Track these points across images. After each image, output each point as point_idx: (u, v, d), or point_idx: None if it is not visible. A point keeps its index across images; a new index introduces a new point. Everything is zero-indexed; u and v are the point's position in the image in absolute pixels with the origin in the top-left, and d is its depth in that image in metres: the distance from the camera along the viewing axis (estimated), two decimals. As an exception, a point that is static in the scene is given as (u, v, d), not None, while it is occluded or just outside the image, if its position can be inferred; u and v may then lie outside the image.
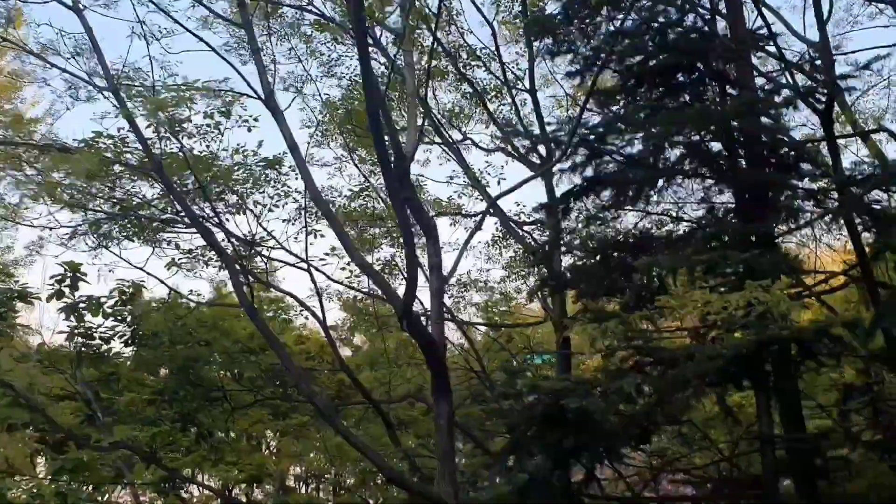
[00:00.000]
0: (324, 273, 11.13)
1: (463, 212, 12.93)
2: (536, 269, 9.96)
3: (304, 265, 10.57)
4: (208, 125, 9.39)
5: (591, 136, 9.56)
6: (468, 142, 12.89)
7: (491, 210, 10.72)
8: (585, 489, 7.37)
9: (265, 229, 10.45)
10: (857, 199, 7.78)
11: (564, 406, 6.30)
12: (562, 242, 9.28)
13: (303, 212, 10.49)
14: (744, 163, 8.77)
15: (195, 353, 11.08)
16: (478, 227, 10.59)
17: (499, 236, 13.14)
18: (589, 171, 9.33)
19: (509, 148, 12.22)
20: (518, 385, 6.80)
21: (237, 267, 9.61)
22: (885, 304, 7.10)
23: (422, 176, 13.44)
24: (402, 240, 9.17)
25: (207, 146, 9.60)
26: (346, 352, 18.12)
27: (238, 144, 10.16)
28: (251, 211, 10.24)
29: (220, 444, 11.85)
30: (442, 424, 7.95)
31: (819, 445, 7.27)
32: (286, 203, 10.66)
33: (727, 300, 6.21)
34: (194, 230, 9.75)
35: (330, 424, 8.81)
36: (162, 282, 11.15)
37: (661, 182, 9.28)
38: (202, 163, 9.41)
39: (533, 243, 10.83)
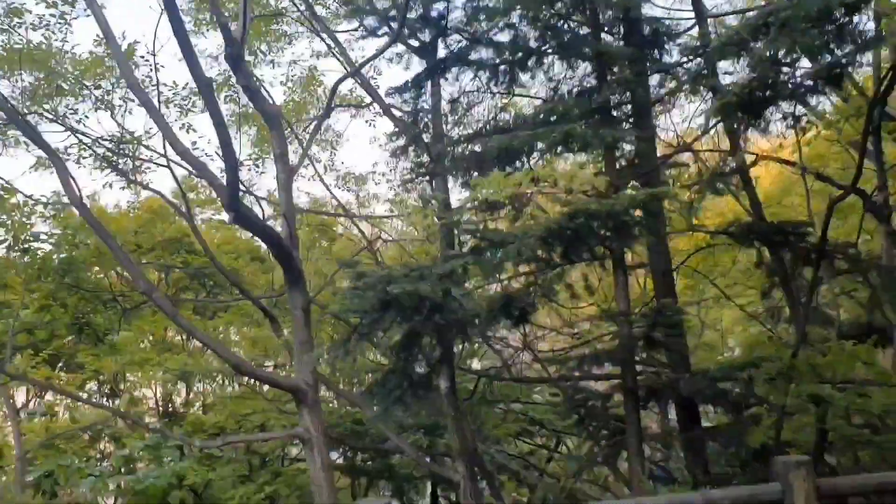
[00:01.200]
0: (184, 167, 10.60)
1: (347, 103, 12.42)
2: (412, 155, 9.73)
3: (164, 160, 10.26)
4: (53, 15, 8.85)
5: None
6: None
7: (357, 81, 10.23)
8: (437, 373, 7.49)
9: (120, 125, 10.05)
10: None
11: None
12: (428, 124, 9.07)
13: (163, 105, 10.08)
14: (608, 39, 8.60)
15: (80, 256, 10.89)
16: (330, 99, 10.13)
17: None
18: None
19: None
20: (354, 275, 6.75)
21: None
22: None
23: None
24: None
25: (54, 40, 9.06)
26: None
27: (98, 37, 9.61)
28: (113, 107, 9.80)
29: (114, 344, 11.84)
30: (297, 315, 7.97)
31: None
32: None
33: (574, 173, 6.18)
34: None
35: (172, 320, 8.79)
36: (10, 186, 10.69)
37: (531, 62, 9.09)
38: (39, 57, 8.91)
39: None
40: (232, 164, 7.11)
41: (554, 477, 12.97)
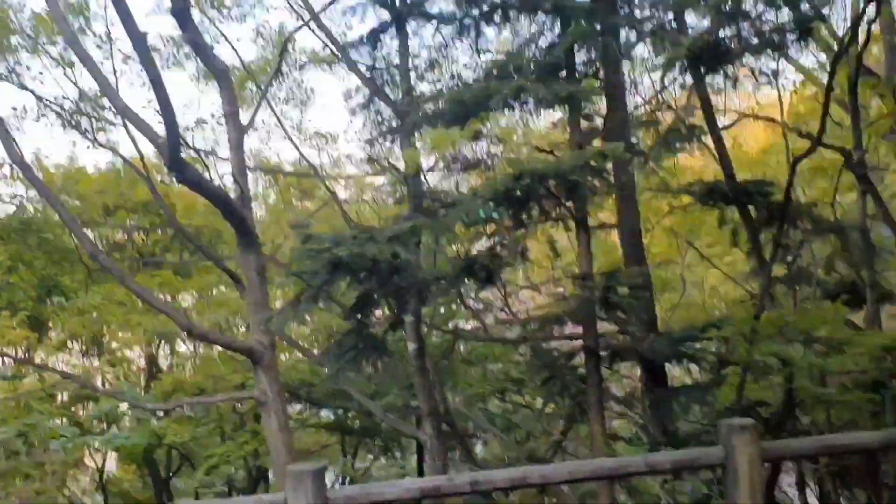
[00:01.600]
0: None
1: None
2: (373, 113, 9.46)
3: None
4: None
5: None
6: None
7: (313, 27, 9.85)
8: (392, 331, 7.39)
9: (75, 83, 9.81)
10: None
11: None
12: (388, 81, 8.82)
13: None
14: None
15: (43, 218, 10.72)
16: (282, 50, 9.79)
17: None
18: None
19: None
20: (302, 237, 6.61)
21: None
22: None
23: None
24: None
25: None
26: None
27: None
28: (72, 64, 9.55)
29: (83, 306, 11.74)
30: (251, 276, 7.85)
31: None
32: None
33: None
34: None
35: (121, 282, 8.66)
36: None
37: (496, 16, 8.83)
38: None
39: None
40: (171, 123, 6.88)
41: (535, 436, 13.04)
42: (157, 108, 6.48)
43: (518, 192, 5.86)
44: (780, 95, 12.53)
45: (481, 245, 9.46)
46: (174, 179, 7.42)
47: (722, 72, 6.83)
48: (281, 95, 12.11)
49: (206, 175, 9.99)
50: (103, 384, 16.19)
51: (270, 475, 19.03)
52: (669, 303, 16.81)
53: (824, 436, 5.69)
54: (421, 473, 13.43)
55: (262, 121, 12.84)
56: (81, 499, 18.28)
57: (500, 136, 5.96)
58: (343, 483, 20.18)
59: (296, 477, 4.43)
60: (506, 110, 7.03)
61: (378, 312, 8.35)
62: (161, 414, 15.46)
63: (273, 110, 11.38)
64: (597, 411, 7.96)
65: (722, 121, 13.85)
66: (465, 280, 9.18)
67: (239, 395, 10.67)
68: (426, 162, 8.44)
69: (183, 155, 9.29)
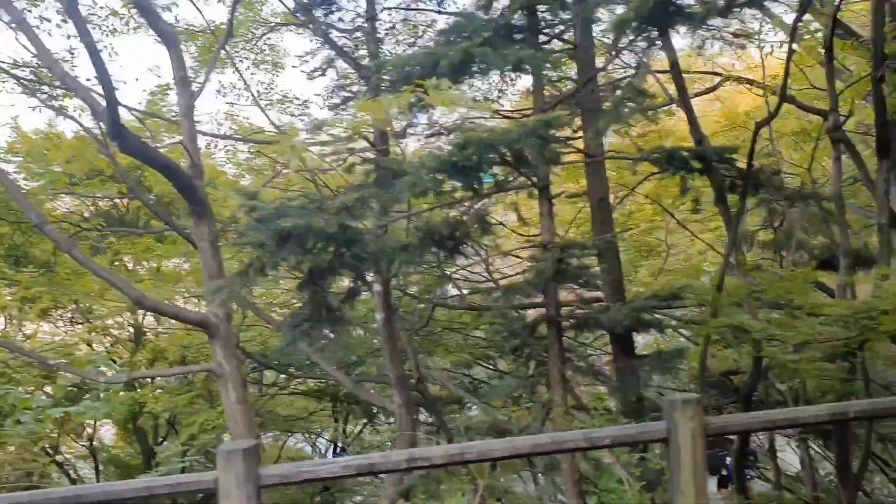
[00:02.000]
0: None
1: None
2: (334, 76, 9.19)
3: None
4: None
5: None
6: None
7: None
8: (348, 302, 7.26)
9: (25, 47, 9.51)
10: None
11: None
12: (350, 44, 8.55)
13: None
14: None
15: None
16: (233, 9, 9.40)
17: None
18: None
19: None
20: (247, 207, 6.43)
21: None
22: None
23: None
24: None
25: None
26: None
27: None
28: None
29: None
30: (203, 247, 7.70)
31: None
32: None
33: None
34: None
35: (68, 254, 8.49)
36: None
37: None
38: None
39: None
40: (109, 90, 6.65)
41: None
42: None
43: (465, 162, 5.66)
44: (762, 57, 12.23)
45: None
46: (117, 147, 7.18)
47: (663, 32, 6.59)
48: (251, 59, 11.83)
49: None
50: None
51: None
52: (658, 269, 16.67)
53: (767, 411, 5.57)
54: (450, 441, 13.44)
55: (233, 84, 12.56)
56: (75, 464, 18.42)
57: (434, 103, 5.71)
58: (335, 449, 20.30)
59: (225, 456, 4.32)
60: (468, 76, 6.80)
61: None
62: (149, 381, 15.49)
63: (241, 75, 11.11)
64: (558, 381, 7.87)
65: (702, 85, 13.64)
66: (432, 250, 9.10)
67: (194, 368, 10.58)
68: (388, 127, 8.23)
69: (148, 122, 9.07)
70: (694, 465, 4.88)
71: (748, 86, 12.53)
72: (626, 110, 6.24)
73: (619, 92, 7.17)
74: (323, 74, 8.88)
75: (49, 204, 13.62)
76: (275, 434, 19.33)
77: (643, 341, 14.86)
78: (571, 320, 7.79)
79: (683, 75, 8.62)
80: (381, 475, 9.58)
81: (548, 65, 7.00)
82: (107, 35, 10.36)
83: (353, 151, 6.45)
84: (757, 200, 8.83)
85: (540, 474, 9.19)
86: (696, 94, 14.26)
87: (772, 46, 12.27)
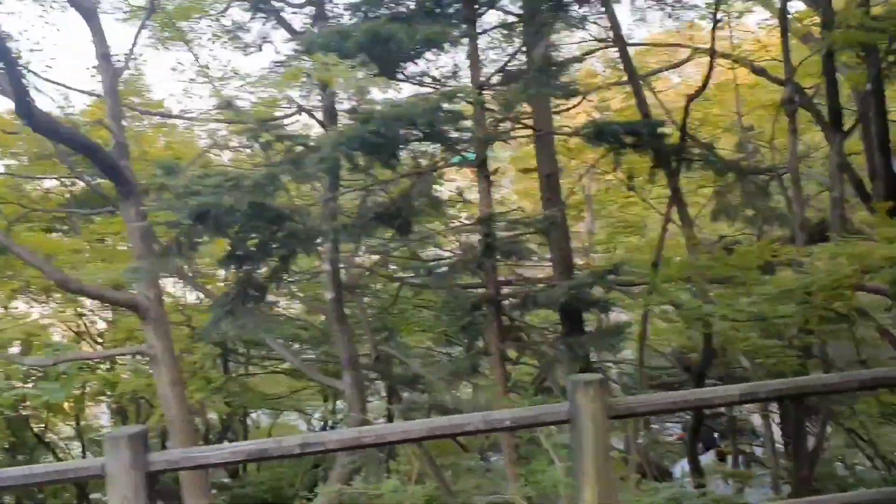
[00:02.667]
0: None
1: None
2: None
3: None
4: None
5: None
6: None
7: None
8: (275, 283, 7.13)
9: None
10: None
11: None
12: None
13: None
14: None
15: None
16: None
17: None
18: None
19: None
20: (157, 185, 6.29)
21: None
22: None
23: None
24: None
25: None
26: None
27: None
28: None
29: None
30: (131, 228, 7.57)
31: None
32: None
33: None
34: None
35: None
36: None
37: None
38: None
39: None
40: (12, 67, 6.46)
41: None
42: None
43: (373, 138, 5.49)
44: (713, 27, 11.88)
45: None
46: (28, 125, 6.98)
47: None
48: (206, 36, 11.55)
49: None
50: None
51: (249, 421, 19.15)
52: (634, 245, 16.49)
53: (679, 391, 5.45)
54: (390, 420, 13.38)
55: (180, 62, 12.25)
56: (65, 446, 18.47)
57: (322, 79, 5.54)
58: (325, 427, 20.26)
59: (112, 442, 4.23)
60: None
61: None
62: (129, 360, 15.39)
63: (192, 51, 10.86)
64: (497, 360, 7.76)
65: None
66: (377, 228, 8.95)
67: (125, 351, 10.41)
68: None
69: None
70: (596, 446, 4.76)
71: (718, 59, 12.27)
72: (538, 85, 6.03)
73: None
74: (259, 50, 8.65)
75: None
76: (266, 412, 19.30)
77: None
78: (511, 299, 7.66)
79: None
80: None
81: (463, 40, 6.69)
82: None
83: (269, 128, 6.26)
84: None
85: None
86: (668, 68, 14.06)
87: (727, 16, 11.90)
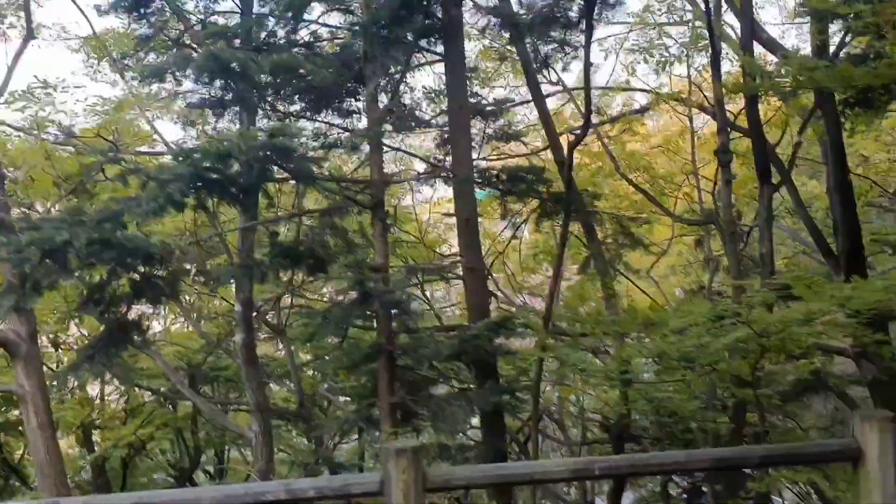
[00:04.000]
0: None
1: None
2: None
3: None
4: None
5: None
6: None
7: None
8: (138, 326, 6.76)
9: None
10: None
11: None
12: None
13: None
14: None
15: None
16: None
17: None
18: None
19: None
20: None
21: None
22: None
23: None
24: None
25: None
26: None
27: None
28: None
29: None
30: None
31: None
32: None
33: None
34: None
35: None
36: None
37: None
38: None
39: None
40: None
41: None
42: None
43: (208, 175, 5.17)
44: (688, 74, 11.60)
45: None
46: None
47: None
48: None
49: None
50: None
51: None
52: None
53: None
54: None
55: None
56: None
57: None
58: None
59: None
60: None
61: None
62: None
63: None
64: (387, 413, 7.32)
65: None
66: (290, 267, 8.60)
67: None
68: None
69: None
70: (410, 522, 4.33)
71: (674, 105, 11.95)
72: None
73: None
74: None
75: None
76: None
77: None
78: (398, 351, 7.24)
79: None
80: None
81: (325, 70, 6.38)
82: None
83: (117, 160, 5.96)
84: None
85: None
86: (632, 112, 13.72)
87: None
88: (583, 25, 6.62)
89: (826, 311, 6.13)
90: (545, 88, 11.66)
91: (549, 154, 12.81)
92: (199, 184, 5.31)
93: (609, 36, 11.13)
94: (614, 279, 14.28)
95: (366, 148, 7.33)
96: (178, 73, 5.65)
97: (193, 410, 12.05)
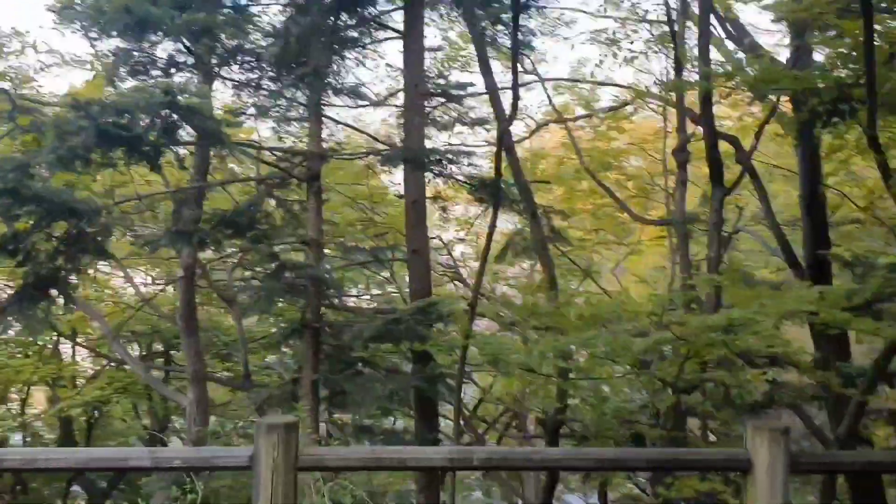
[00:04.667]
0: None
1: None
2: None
3: None
4: None
5: None
6: None
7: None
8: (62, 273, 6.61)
9: None
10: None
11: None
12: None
13: None
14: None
15: None
16: None
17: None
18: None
19: None
20: None
21: None
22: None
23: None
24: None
25: None
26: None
27: None
28: None
29: None
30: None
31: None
32: None
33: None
34: None
35: None
36: None
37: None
38: None
39: None
40: None
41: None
42: None
43: (112, 130, 5.03)
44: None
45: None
46: None
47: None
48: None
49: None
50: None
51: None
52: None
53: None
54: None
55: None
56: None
57: None
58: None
59: None
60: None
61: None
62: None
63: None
64: (307, 390, 7.23)
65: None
66: (232, 237, 8.48)
67: None
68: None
69: None
70: (274, 498, 4.23)
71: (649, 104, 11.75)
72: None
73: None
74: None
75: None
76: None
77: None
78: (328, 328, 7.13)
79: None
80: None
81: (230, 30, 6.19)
82: None
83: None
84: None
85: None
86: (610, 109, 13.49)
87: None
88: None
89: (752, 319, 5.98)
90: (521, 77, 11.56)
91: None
92: (104, 139, 5.16)
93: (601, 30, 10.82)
94: (586, 277, 14.23)
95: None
96: (90, 27, 5.48)
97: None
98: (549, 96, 10.59)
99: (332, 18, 6.80)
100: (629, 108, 12.50)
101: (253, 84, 7.01)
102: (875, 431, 9.36)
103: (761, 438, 4.38)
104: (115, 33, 5.56)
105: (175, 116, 5.23)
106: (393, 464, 4.47)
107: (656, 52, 10.45)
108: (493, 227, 6.87)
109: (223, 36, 6.07)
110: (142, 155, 5.52)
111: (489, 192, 6.33)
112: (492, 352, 6.10)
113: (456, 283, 12.15)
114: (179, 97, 5.09)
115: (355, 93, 7.01)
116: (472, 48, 11.27)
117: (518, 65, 7.57)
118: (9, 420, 11.79)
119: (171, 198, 7.33)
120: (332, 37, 6.87)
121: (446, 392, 7.45)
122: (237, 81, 7.06)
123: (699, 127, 11.69)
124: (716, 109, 12.65)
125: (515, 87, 6.64)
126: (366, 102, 8.24)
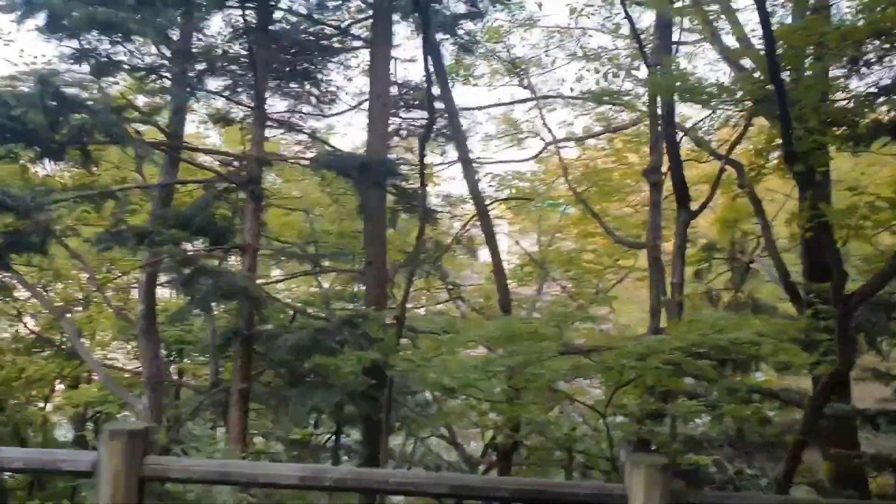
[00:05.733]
0: None
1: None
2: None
3: None
4: None
5: None
6: None
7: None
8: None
9: None
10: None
11: None
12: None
13: None
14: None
15: None
16: None
17: None
18: None
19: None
20: None
21: None
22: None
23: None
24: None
25: None
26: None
27: None
28: None
29: None
30: None
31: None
32: None
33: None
34: None
35: None
36: None
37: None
38: None
39: None
40: None
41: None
42: None
43: (18, 126, 4.97)
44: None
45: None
46: None
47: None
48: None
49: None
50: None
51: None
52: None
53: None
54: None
55: None
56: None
57: None
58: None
59: None
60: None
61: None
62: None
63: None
64: (235, 399, 7.06)
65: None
66: (188, 238, 8.39)
67: None
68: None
69: None
70: (113, 504, 4.08)
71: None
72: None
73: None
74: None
75: None
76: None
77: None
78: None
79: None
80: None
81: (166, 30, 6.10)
82: None
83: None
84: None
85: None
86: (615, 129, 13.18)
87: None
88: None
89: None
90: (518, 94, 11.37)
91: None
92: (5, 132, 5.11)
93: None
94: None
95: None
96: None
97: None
98: (542, 116, 10.35)
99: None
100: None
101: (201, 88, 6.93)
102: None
103: (638, 473, 4.00)
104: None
105: (62, 109, 5.13)
106: (241, 479, 4.26)
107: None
108: (422, 232, 6.64)
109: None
110: (50, 151, 5.45)
111: (416, 205, 6.10)
112: (407, 368, 5.82)
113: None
114: (65, 90, 5.01)
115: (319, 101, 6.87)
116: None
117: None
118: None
119: (118, 197, 7.27)
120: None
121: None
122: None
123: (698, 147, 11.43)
124: (723, 133, 12.26)
125: (430, 88, 6.40)
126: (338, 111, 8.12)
